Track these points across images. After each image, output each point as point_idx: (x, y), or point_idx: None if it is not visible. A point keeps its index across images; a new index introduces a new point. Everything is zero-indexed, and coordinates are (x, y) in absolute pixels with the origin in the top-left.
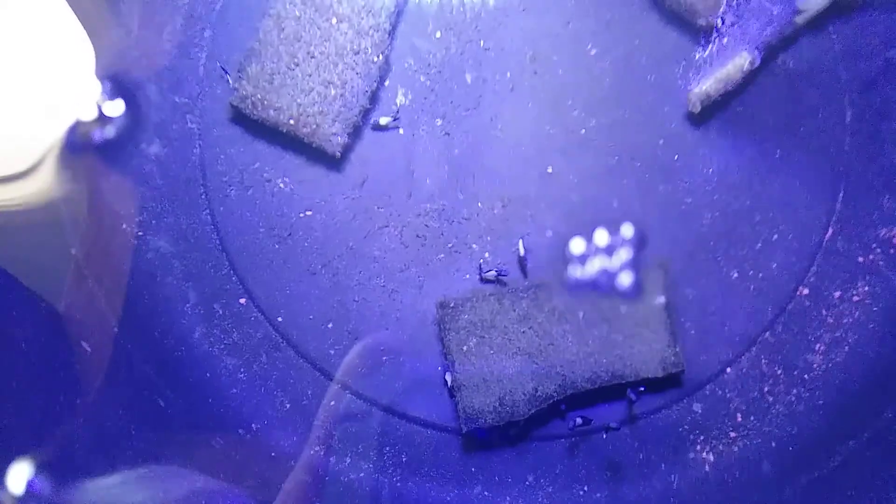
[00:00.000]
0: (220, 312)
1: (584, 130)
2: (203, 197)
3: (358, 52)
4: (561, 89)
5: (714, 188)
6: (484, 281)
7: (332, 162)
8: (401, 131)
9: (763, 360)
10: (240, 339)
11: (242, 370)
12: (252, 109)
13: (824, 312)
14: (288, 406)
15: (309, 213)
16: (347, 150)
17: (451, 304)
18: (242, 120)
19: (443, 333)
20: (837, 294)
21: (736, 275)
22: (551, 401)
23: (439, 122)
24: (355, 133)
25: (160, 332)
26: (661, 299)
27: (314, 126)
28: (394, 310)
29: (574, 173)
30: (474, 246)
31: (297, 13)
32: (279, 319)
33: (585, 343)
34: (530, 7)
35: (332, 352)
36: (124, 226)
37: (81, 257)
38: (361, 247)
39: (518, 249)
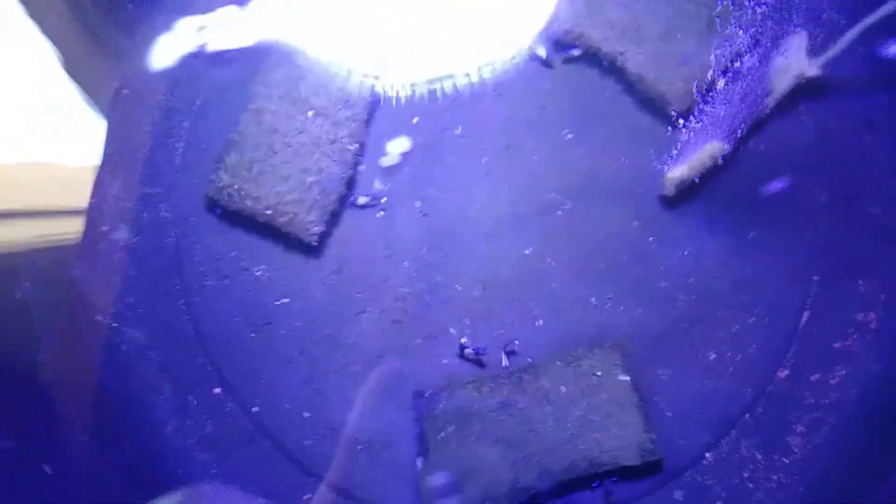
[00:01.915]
0: (195, 404)
1: (560, 213)
2: (178, 286)
3: (334, 142)
4: (537, 173)
5: (689, 271)
6: (464, 359)
7: (310, 249)
8: (380, 214)
9: (743, 444)
10: (214, 431)
11: (216, 464)
12: (229, 200)
13: (803, 394)
14: (262, 501)
15: (286, 300)
16: (325, 235)
17: (428, 394)
18: (218, 209)
19: (419, 423)
20: (816, 377)
21: (713, 357)
22: (530, 493)
23: (418, 204)
24: (333, 219)
25: (132, 427)
26: (625, 377)
27: (291, 215)
28: (371, 398)
29: (551, 256)
30: (452, 330)
31: (274, 107)
32: (254, 410)
33: (565, 427)
34: (505, 93)
35: (309, 442)
36: (98, 317)
37: (50, 361)
38: (339, 333)
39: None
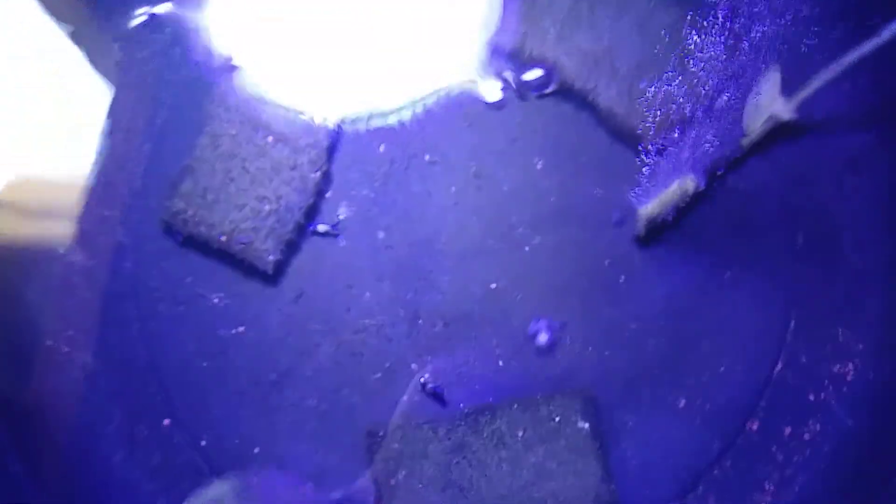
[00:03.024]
0: (144, 434)
1: (528, 248)
2: (133, 312)
3: (294, 168)
4: (505, 205)
5: (660, 313)
6: (425, 395)
7: (268, 277)
8: (341, 244)
9: (710, 500)
10: (161, 463)
11: (162, 497)
12: (184, 226)
13: (774, 449)
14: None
15: (241, 329)
16: (284, 264)
17: (381, 433)
18: (176, 235)
19: (371, 463)
20: (788, 430)
21: (682, 404)
22: None
23: (381, 234)
24: (292, 247)
25: (79, 456)
26: (584, 424)
27: (247, 242)
28: (325, 433)
29: (518, 292)
30: (413, 366)
31: (234, 131)
32: (202, 443)
33: (520, 474)
34: (475, 122)
35: (257, 479)
36: (48, 341)
37: None
38: (294, 365)
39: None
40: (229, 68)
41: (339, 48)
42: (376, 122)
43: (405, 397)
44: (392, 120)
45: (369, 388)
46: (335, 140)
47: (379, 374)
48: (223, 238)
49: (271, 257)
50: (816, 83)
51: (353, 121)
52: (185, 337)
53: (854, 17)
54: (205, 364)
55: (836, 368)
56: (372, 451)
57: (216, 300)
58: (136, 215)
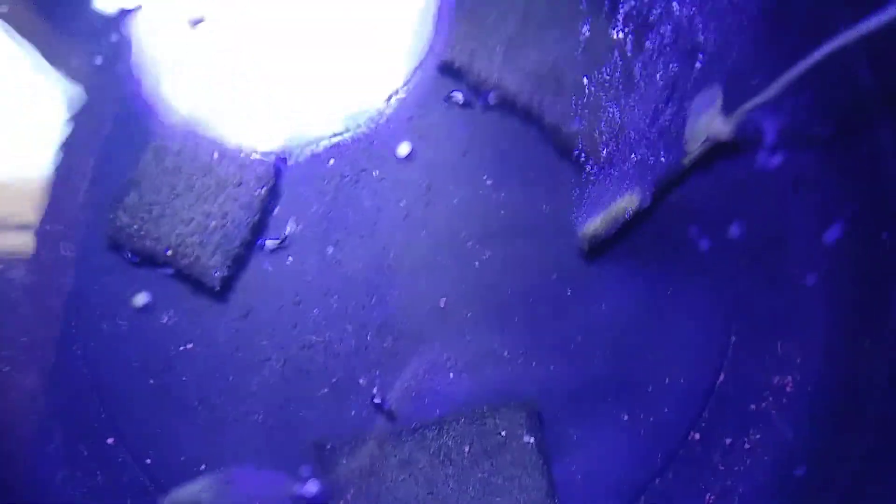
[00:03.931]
0: (86, 454)
1: (477, 263)
2: (75, 329)
3: (240, 184)
4: (456, 220)
5: (606, 326)
6: (374, 411)
7: (215, 293)
8: (289, 260)
9: None
10: (105, 482)
11: None
12: (128, 240)
13: (715, 459)
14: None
15: (189, 346)
16: (232, 280)
17: (329, 446)
18: (121, 250)
19: (319, 479)
20: (729, 441)
21: (626, 418)
22: None
23: (331, 249)
24: (240, 263)
25: (18, 476)
26: (530, 439)
27: (193, 257)
28: (271, 449)
29: (467, 307)
30: (361, 381)
31: (178, 147)
32: (147, 462)
33: (466, 490)
34: (426, 135)
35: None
36: None
37: None
38: (241, 382)
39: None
40: (174, 83)
41: (288, 61)
42: (325, 138)
43: (353, 412)
44: (341, 135)
45: (316, 403)
46: (283, 156)
47: (326, 390)
48: (169, 252)
49: (218, 273)
50: (755, 102)
51: (302, 136)
52: (130, 354)
53: (792, 38)
54: (151, 381)
55: (776, 380)
56: (320, 464)
57: (162, 317)
58: (80, 230)
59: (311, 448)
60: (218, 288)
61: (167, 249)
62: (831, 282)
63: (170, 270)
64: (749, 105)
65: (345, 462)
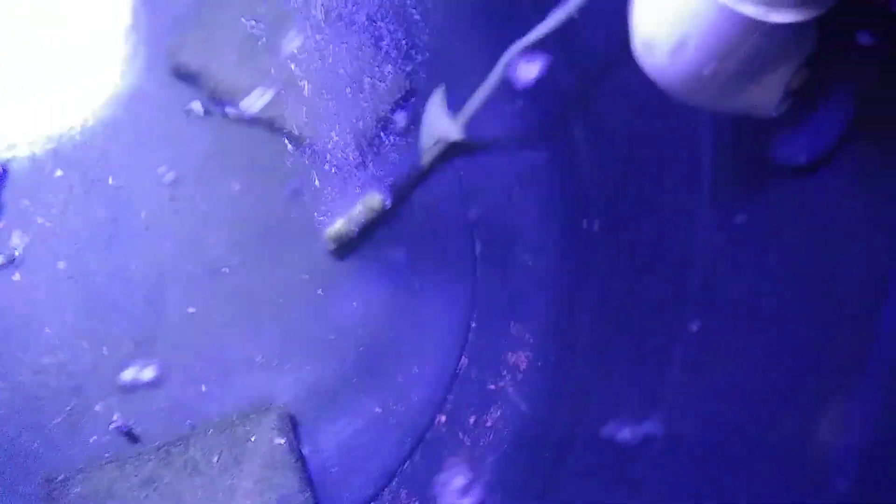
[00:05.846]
0: None
1: (226, 269)
2: None
3: None
4: (203, 226)
5: (358, 323)
6: (116, 434)
7: None
8: (16, 277)
9: (402, 493)
10: None
11: None
12: None
13: (461, 436)
14: None
15: None
16: None
17: (60, 478)
18: None
19: None
20: (473, 419)
21: (378, 410)
22: None
23: (62, 264)
24: None
25: None
26: (281, 440)
27: None
28: (1, 485)
29: (217, 314)
30: (98, 407)
31: None
32: None
33: (215, 497)
34: (169, 138)
35: None
36: None
37: None
38: None
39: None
40: None
41: (3, 67)
42: (50, 146)
43: (92, 439)
44: (68, 142)
45: (50, 433)
46: (3, 167)
47: (60, 419)
48: None
49: None
50: (474, 103)
51: (24, 145)
52: None
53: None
54: None
55: (511, 359)
56: (51, 499)
57: None
58: None
59: (43, 483)
60: None
61: None
62: (556, 267)
63: None
64: (469, 107)
65: (78, 490)
